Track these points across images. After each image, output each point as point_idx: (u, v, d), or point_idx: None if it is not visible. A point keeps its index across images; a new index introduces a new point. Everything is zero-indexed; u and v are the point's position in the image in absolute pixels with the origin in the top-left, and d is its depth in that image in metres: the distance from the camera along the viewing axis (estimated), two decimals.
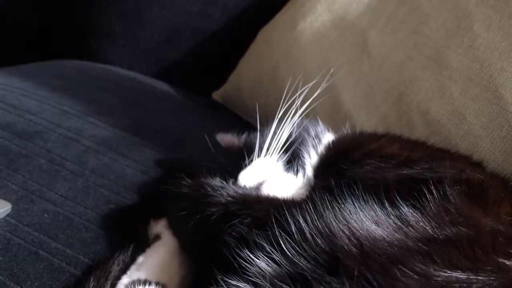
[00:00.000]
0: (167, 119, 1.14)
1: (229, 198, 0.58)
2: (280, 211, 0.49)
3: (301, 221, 0.47)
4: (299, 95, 0.78)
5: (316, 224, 0.46)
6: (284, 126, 0.70)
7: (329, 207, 0.48)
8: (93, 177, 0.83)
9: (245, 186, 0.62)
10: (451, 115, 0.79)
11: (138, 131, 1.03)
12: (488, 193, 0.53)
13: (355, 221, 0.46)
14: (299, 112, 0.75)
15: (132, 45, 1.56)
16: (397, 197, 0.50)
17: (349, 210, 0.47)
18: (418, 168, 0.58)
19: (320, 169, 0.65)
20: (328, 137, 0.73)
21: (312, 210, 0.48)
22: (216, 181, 0.62)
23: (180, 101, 1.32)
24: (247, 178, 0.63)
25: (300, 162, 0.66)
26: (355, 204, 0.49)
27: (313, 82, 0.79)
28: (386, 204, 0.49)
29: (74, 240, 0.69)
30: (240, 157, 0.68)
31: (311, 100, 0.81)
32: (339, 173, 0.60)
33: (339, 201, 0.49)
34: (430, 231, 0.45)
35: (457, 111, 0.78)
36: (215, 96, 1.39)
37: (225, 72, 1.38)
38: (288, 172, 0.65)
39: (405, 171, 0.58)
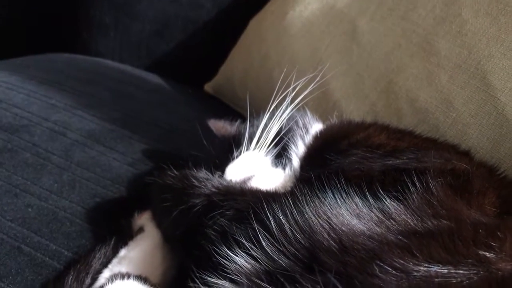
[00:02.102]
0: (157, 111, 1.13)
1: (213, 189, 0.57)
2: (260, 205, 0.48)
3: (281, 216, 0.46)
4: (291, 88, 0.77)
5: (296, 219, 0.45)
6: (275, 120, 0.68)
7: (310, 201, 0.47)
8: (79, 170, 0.82)
9: (231, 180, 0.61)
10: (439, 103, 0.77)
11: (127, 123, 1.02)
12: (473, 183, 0.52)
13: (335, 215, 0.45)
14: (292, 105, 0.74)
15: (123, 37, 1.55)
16: (380, 189, 0.49)
17: (330, 204, 0.46)
18: (404, 158, 0.57)
19: (307, 160, 0.64)
20: (316, 127, 0.72)
21: (292, 204, 0.47)
22: (202, 173, 0.61)
23: (171, 93, 1.31)
24: (234, 172, 0.62)
25: (288, 154, 0.65)
26: (337, 197, 0.48)
27: (305, 78, 0.77)
28: (369, 197, 0.48)
29: (58, 234, 0.68)
30: (229, 149, 0.67)
31: (301, 90, 0.80)
32: (325, 164, 0.59)
33: (320, 195, 0.48)
34: (411, 224, 0.44)
35: (445, 98, 0.77)
36: (207, 88, 1.38)
37: (217, 63, 1.37)
38: (276, 166, 0.64)
39: (390, 161, 0.57)
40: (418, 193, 0.48)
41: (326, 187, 0.49)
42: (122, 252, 0.62)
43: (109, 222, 0.72)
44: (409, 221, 0.45)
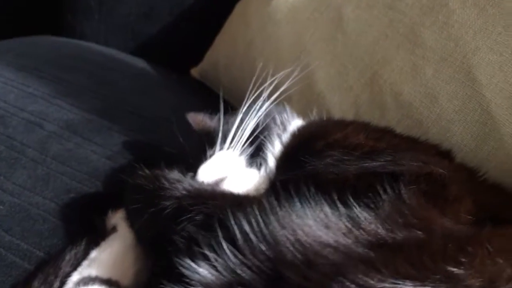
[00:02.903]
0: (140, 99, 1.10)
1: (184, 192, 0.55)
2: (226, 211, 0.46)
3: (246, 225, 0.44)
4: (271, 80, 0.74)
5: (261, 229, 0.44)
6: (250, 116, 0.66)
7: (276, 210, 0.45)
8: (55, 164, 0.80)
9: (203, 182, 0.59)
10: (424, 97, 0.75)
11: (107, 113, 0.99)
12: (449, 189, 0.50)
13: (302, 226, 0.43)
14: (270, 100, 0.72)
15: (108, 20, 1.51)
16: (352, 196, 0.48)
17: (297, 214, 0.45)
18: (382, 160, 0.56)
19: (283, 161, 0.62)
20: (295, 124, 0.70)
21: (258, 212, 0.45)
22: (174, 174, 0.59)
23: (156, 79, 1.28)
24: (206, 173, 0.60)
25: (263, 154, 0.63)
26: (305, 206, 0.46)
27: (283, 73, 0.75)
28: (339, 204, 0.46)
29: (29, 233, 0.67)
30: (203, 147, 0.65)
31: (283, 82, 0.78)
32: (299, 166, 0.57)
33: (288, 203, 0.46)
34: (381, 234, 0.43)
35: (430, 93, 0.75)
36: (193, 73, 1.35)
37: (205, 47, 1.34)
38: (251, 167, 0.62)
39: (367, 164, 0.55)
40: (390, 201, 0.46)
41: (295, 194, 0.47)
42: (93, 253, 0.60)
43: (84, 220, 0.71)
44: (379, 231, 0.43)
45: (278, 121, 0.67)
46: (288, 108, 0.73)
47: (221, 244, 0.44)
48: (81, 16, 1.53)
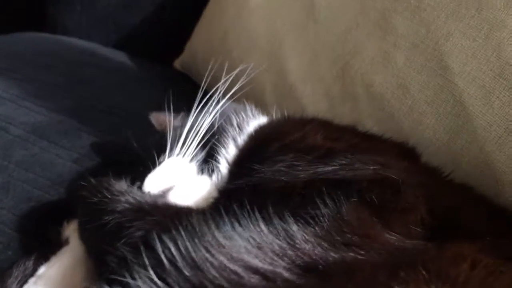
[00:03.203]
0: (114, 96, 1.07)
1: (126, 205, 0.52)
2: (152, 235, 0.43)
3: (172, 247, 0.41)
4: (228, 76, 0.70)
5: (188, 252, 0.40)
6: (204, 117, 0.62)
7: (205, 229, 0.41)
8: (17, 171, 0.77)
9: (149, 192, 0.56)
10: (395, 88, 0.71)
11: (78, 113, 0.96)
12: (402, 197, 0.46)
13: (230, 247, 0.40)
14: (229, 95, 0.68)
15: (89, 11, 1.47)
16: (292, 210, 0.44)
17: (226, 234, 0.41)
18: (335, 164, 0.52)
19: (236, 167, 0.58)
20: (255, 123, 0.66)
21: (187, 233, 0.41)
22: (118, 185, 0.56)
23: (135, 73, 1.24)
24: (152, 183, 0.57)
25: (216, 159, 0.59)
26: (241, 223, 0.42)
27: (238, 69, 0.70)
28: (275, 220, 0.43)
29: None
30: (152, 154, 0.62)
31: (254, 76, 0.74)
32: (248, 174, 0.53)
33: (219, 221, 0.43)
34: (315, 256, 0.39)
35: (401, 83, 0.70)
36: (176, 65, 1.32)
37: (188, 38, 1.30)
38: (203, 173, 0.59)
39: (319, 169, 0.51)
40: (330, 216, 0.42)
41: (230, 211, 0.44)
42: (41, 269, 0.58)
43: (41, 231, 0.68)
44: (315, 252, 0.40)
45: (235, 122, 0.63)
46: (248, 107, 0.68)
47: (147, 269, 0.41)
48: (63, 7, 1.50)
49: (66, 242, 0.62)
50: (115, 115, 1.00)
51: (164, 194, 0.56)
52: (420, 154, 0.61)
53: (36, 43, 1.30)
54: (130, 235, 0.49)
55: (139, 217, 0.50)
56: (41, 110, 0.94)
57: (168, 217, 0.48)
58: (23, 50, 1.23)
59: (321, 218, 0.42)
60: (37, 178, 0.77)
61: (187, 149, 0.59)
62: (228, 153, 0.60)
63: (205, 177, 0.58)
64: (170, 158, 0.59)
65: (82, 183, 0.59)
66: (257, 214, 0.43)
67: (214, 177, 0.58)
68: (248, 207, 0.44)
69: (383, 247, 0.40)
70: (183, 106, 0.88)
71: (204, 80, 0.73)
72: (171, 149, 0.60)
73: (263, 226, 0.42)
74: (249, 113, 0.67)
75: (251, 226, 0.42)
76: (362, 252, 0.40)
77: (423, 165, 0.58)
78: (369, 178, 0.49)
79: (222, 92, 0.70)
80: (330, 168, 0.51)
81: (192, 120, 0.63)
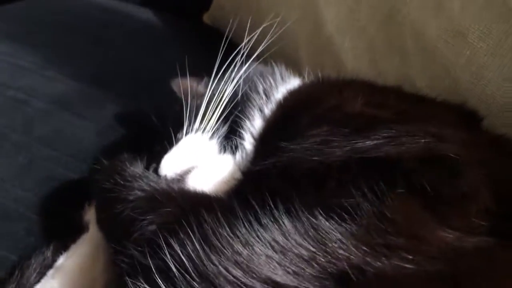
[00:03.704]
0: (139, 58, 1.01)
1: (139, 193, 0.47)
2: (159, 235, 0.37)
3: (181, 253, 0.35)
4: (254, 33, 0.61)
5: (200, 258, 0.34)
6: (225, 85, 0.55)
7: (220, 232, 0.35)
8: (38, 148, 0.74)
9: (165, 176, 0.50)
10: (451, 37, 0.60)
11: (102, 79, 0.91)
12: (461, 180, 0.37)
13: (246, 256, 0.33)
14: (254, 56, 0.60)
15: None
16: (323, 202, 0.36)
17: (244, 239, 0.34)
18: (378, 137, 0.43)
19: (262, 143, 0.50)
20: (285, 88, 0.58)
21: (198, 237, 0.35)
22: (133, 169, 0.50)
23: (161, 32, 1.16)
24: (169, 166, 0.50)
25: (240, 134, 0.52)
26: (259, 222, 0.35)
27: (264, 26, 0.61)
28: (304, 216, 0.35)
29: (5, 235, 0.61)
30: (169, 130, 0.55)
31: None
32: (275, 153, 0.45)
33: (235, 223, 0.36)
34: (352, 263, 0.32)
35: (458, 31, 0.59)
36: (205, 19, 1.23)
37: None
38: (225, 151, 0.52)
39: (358, 144, 0.43)
40: (369, 211, 0.34)
41: (246, 209, 0.37)
42: (60, 260, 0.54)
43: (62, 213, 0.64)
44: (351, 257, 0.32)
45: (261, 88, 0.55)
46: (277, 69, 0.60)
47: (154, 274, 0.35)
48: None
49: (86, 228, 0.58)
50: (139, 79, 0.94)
51: (181, 178, 0.49)
52: (482, 120, 0.50)
53: (54, 3, 1.24)
54: (142, 229, 0.43)
55: (152, 208, 0.44)
56: (64, 78, 0.89)
57: (182, 210, 0.42)
58: (41, 12, 1.17)
59: (358, 212, 0.35)
60: (59, 155, 0.73)
61: (207, 124, 0.52)
62: (253, 126, 0.52)
63: (227, 156, 0.51)
64: (188, 136, 0.52)
65: (95, 166, 0.54)
66: (281, 208, 0.36)
67: (238, 155, 0.51)
68: (271, 199, 0.37)
69: (437, 251, 0.32)
70: (212, 67, 0.80)
71: (226, 34, 0.64)
72: (190, 124, 0.53)
73: (288, 224, 0.35)
74: (278, 76, 0.58)
75: (274, 224, 0.35)
76: (410, 258, 0.32)
77: (486, 135, 0.48)
78: (420, 155, 0.40)
79: (247, 50, 0.61)
80: (371, 143, 0.43)
81: (212, 87, 0.55)
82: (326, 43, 0.75)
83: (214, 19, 1.14)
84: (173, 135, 0.53)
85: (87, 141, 0.76)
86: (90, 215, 0.59)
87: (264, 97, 0.54)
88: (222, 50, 0.58)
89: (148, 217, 0.43)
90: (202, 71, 0.76)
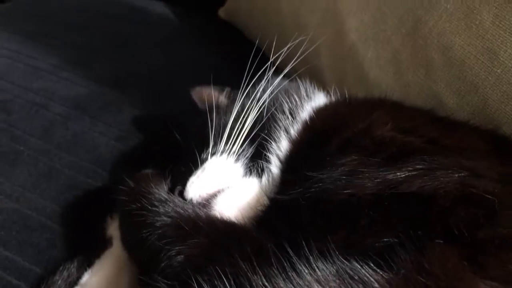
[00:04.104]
0: (156, 56, 1.00)
1: (166, 219, 0.46)
2: (192, 275, 0.37)
3: None
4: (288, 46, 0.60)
5: None
6: (252, 105, 0.54)
7: (251, 279, 0.34)
8: (58, 155, 0.74)
9: (191, 200, 0.49)
10: (480, 53, 0.58)
11: (119, 81, 0.90)
12: (498, 223, 0.37)
13: None
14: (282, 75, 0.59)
15: None
16: (356, 243, 0.36)
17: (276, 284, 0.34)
18: (410, 169, 0.42)
19: (288, 168, 0.50)
20: (311, 105, 0.56)
21: (231, 284, 0.35)
22: (159, 192, 0.50)
23: (176, 28, 1.15)
24: (195, 189, 0.50)
25: (266, 157, 0.51)
26: (293, 268, 0.35)
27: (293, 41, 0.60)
28: (338, 261, 0.35)
29: (26, 246, 0.62)
30: (193, 150, 0.54)
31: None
32: (303, 182, 0.45)
33: (270, 265, 0.35)
34: None
35: (488, 47, 0.57)
36: (221, 14, 1.21)
37: None
38: (250, 174, 0.51)
39: (389, 175, 0.42)
40: (407, 261, 0.34)
41: (278, 252, 0.36)
42: (85, 277, 0.55)
43: (85, 224, 0.65)
44: None
45: (286, 108, 0.54)
46: (302, 85, 0.59)
47: None
48: None
49: (110, 242, 0.59)
50: (156, 81, 0.93)
51: (207, 202, 0.49)
52: None
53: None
54: (170, 259, 0.43)
55: (180, 238, 0.44)
56: (81, 81, 0.89)
57: (211, 242, 0.42)
58: (53, 8, 1.16)
59: (395, 259, 0.34)
60: (79, 162, 0.73)
61: (232, 146, 0.52)
62: (279, 148, 0.51)
63: (253, 180, 0.51)
64: (213, 158, 0.52)
65: (121, 187, 0.54)
66: (314, 251, 0.36)
67: (264, 178, 0.50)
68: (304, 240, 0.37)
69: None
70: (230, 67, 0.79)
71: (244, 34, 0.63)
72: (215, 144, 0.53)
73: (323, 270, 0.35)
74: (303, 93, 0.57)
75: (309, 271, 0.35)
76: None
77: None
78: (454, 192, 0.39)
79: (272, 60, 0.60)
80: (403, 175, 0.42)
81: (238, 106, 0.55)
82: (349, 52, 0.74)
83: (230, 14, 1.13)
84: (197, 154, 0.53)
85: (106, 148, 0.76)
86: (113, 230, 0.59)
87: (289, 117, 0.53)
88: (250, 62, 0.57)
89: (175, 247, 0.43)
90: (219, 70, 0.75)
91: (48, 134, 0.77)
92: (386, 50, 0.69)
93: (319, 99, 0.58)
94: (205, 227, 0.44)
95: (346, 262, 0.35)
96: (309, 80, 0.61)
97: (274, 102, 0.55)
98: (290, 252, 0.35)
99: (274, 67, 0.60)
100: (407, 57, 0.66)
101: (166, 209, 0.47)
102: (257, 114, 0.53)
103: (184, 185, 0.51)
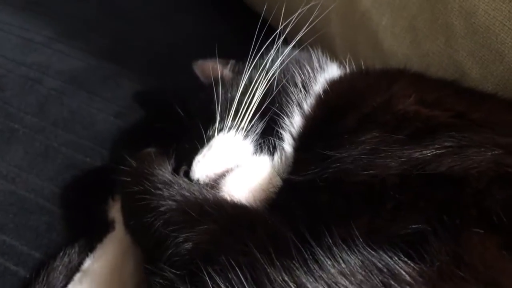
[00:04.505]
0: (153, 27, 0.95)
1: (171, 203, 0.43)
2: (200, 263, 0.34)
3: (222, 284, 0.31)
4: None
5: None
6: (260, 76, 0.50)
7: (266, 272, 0.31)
8: (55, 132, 0.70)
9: (198, 181, 0.46)
10: (507, 18, 0.54)
11: (116, 53, 0.86)
12: None
13: None
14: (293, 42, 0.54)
15: None
16: (383, 230, 0.32)
17: (297, 281, 0.30)
18: (438, 146, 0.39)
19: (302, 145, 0.46)
20: (325, 77, 0.52)
21: (244, 274, 0.31)
22: (163, 173, 0.46)
23: None
24: (201, 169, 0.46)
25: (278, 133, 0.47)
26: (315, 260, 0.31)
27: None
28: (363, 251, 0.32)
29: (25, 230, 0.59)
30: (203, 120, 0.51)
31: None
32: (320, 161, 0.41)
33: (288, 254, 0.32)
34: None
35: None
36: None
37: None
38: (261, 152, 0.47)
39: (415, 154, 0.39)
40: (442, 251, 0.30)
41: (297, 240, 0.33)
42: (87, 262, 0.52)
43: (85, 205, 0.61)
44: None
45: (299, 80, 0.50)
46: (314, 55, 0.54)
47: None
48: None
49: (112, 226, 0.56)
50: (156, 53, 0.88)
51: (215, 183, 0.45)
52: None
53: None
54: (177, 246, 0.40)
55: (187, 224, 0.41)
56: (76, 53, 0.84)
57: (220, 228, 0.38)
58: None
59: (427, 249, 0.31)
60: (77, 140, 0.69)
61: (241, 121, 0.48)
62: (292, 124, 0.48)
63: (264, 158, 0.47)
64: (220, 135, 0.48)
65: (123, 167, 0.50)
66: (337, 240, 0.32)
67: (276, 157, 0.47)
68: (325, 227, 0.33)
69: None
70: (234, 39, 0.75)
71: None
72: (221, 120, 0.49)
73: (347, 261, 0.31)
74: (316, 64, 0.53)
75: (332, 263, 0.31)
76: None
77: None
78: (489, 173, 0.36)
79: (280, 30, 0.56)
80: (429, 154, 0.39)
81: (246, 78, 0.50)
82: (361, 19, 0.69)
83: None
84: (203, 131, 0.49)
85: (105, 124, 0.72)
86: (115, 212, 0.56)
87: (302, 90, 0.49)
88: (256, 35, 0.53)
89: (182, 234, 0.40)
90: (222, 42, 0.70)
91: (43, 111, 0.73)
92: (402, 16, 0.64)
93: (332, 71, 0.54)
94: (213, 212, 0.40)
95: (373, 252, 0.32)
96: (321, 50, 0.57)
97: (285, 73, 0.50)
98: (311, 240, 0.32)
99: (283, 37, 0.56)
100: (425, 24, 0.62)
101: (171, 192, 0.44)
102: (267, 87, 0.49)
103: (189, 164, 0.47)
